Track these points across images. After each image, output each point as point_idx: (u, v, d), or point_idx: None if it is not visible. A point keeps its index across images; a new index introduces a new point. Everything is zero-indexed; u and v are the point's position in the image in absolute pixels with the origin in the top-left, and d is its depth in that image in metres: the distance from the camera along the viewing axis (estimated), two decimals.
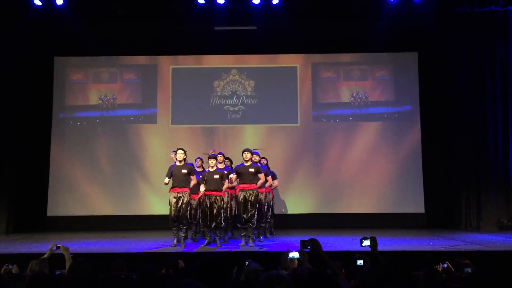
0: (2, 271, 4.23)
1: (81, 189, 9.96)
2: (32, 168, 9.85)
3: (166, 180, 7.03)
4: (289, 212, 9.86)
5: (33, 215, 9.72)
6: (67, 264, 4.37)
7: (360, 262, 3.93)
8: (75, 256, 4.55)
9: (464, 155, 9.15)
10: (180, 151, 7.16)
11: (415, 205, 9.75)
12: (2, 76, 9.17)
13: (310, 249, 2.98)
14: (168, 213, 7.21)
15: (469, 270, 3.41)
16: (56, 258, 4.66)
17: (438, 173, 9.73)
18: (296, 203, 9.92)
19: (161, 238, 7.45)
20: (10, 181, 9.34)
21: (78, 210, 9.85)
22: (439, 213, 9.60)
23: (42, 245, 6.87)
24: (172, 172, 7.07)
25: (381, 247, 6.63)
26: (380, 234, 8.11)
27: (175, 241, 7.05)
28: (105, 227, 9.44)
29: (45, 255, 4.62)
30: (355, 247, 6.63)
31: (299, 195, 9.93)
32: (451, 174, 9.50)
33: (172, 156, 7.34)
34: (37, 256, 4.41)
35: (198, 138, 9.95)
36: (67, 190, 9.94)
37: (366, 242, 3.47)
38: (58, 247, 4.56)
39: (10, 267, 4.35)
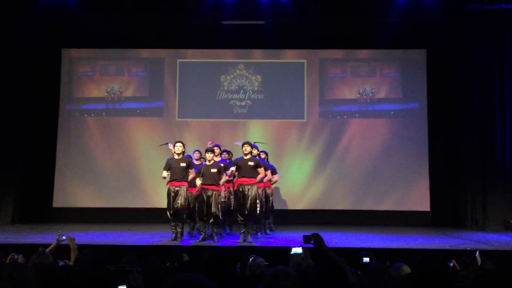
0: (7, 261, 4.25)
1: (86, 181, 10.00)
2: (39, 159, 9.89)
3: (165, 173, 6.90)
4: (292, 208, 9.83)
5: (38, 206, 9.78)
6: (73, 255, 4.40)
7: (366, 259, 3.92)
8: (80, 247, 4.58)
9: (471, 153, 9.10)
10: (178, 144, 7.01)
11: (421, 203, 9.71)
12: (10, 68, 9.20)
13: (313, 243, 2.97)
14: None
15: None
16: (60, 249, 4.68)
17: (444, 171, 9.69)
18: (299, 199, 9.90)
19: (166, 231, 7.43)
20: (16, 172, 9.40)
21: (83, 201, 9.90)
22: (445, 211, 9.56)
23: (48, 236, 6.91)
24: (170, 166, 6.94)
25: (385, 244, 6.67)
26: (385, 231, 8.18)
27: (173, 236, 6.92)
28: (111, 219, 9.47)
29: (53, 245, 4.66)
30: (358, 244, 6.65)
31: (303, 191, 9.92)
32: (458, 172, 9.46)
33: (171, 148, 7.19)
34: (42, 246, 4.43)
35: (204, 133, 9.93)
36: (73, 181, 9.99)
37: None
38: (64, 240, 4.59)
39: (15, 257, 4.37)
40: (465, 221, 9.14)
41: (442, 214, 9.57)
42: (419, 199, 9.74)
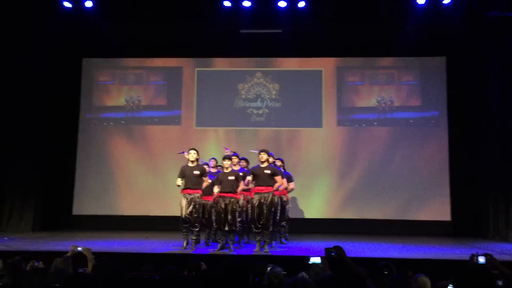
0: (28, 268, 4.29)
1: (106, 189, 10.09)
2: (59, 167, 10.04)
3: (179, 181, 6.79)
4: (310, 216, 9.76)
5: (59, 213, 9.90)
6: (90, 265, 4.41)
7: (386, 270, 3.85)
8: (99, 255, 4.60)
9: (493, 161, 8.93)
10: (192, 151, 6.91)
11: (441, 212, 9.56)
12: (31, 77, 9.38)
13: (335, 255, 2.94)
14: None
15: (500, 283, 3.30)
16: (80, 257, 4.70)
17: (465, 180, 9.52)
18: (318, 207, 9.83)
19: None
20: (37, 180, 9.52)
21: (102, 209, 9.98)
22: (466, 221, 9.38)
23: (67, 243, 6.93)
24: (184, 173, 6.85)
25: (405, 254, 6.57)
26: (405, 241, 8.05)
27: (184, 244, 6.82)
28: (129, 227, 9.56)
29: (67, 255, 4.68)
30: (378, 254, 6.56)
31: (321, 199, 9.85)
32: (479, 181, 9.28)
33: (186, 155, 7.12)
34: (62, 254, 4.46)
35: (222, 141, 9.95)
36: (93, 189, 10.09)
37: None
38: (80, 250, 4.59)
39: (36, 263, 4.41)
40: (487, 231, 8.94)
41: (463, 224, 9.39)
42: (439, 208, 9.57)
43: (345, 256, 2.85)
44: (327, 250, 2.96)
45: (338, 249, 2.81)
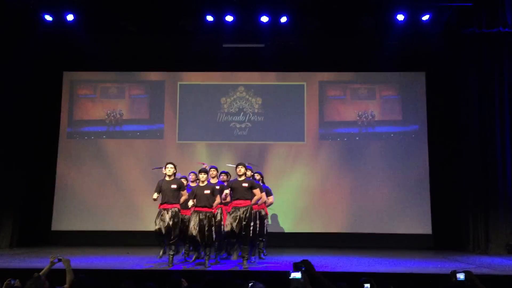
0: (3, 286, 4.19)
1: (86, 204, 9.94)
2: (38, 181, 9.88)
3: (155, 195, 6.71)
4: (290, 230, 9.75)
5: (37, 229, 9.71)
6: (68, 277, 4.33)
7: (367, 286, 3.83)
8: (78, 271, 4.51)
9: (472, 175, 9.04)
10: (169, 166, 6.87)
11: (422, 225, 9.63)
12: (12, 90, 9.25)
13: (304, 270, 2.92)
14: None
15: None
16: (56, 274, 4.61)
17: (445, 194, 9.63)
18: (298, 221, 9.82)
19: (165, 255, 7.33)
20: (16, 195, 9.34)
21: (82, 225, 9.83)
22: (447, 234, 9.47)
23: (46, 260, 6.73)
24: (161, 188, 6.80)
25: (386, 268, 6.58)
26: (386, 255, 8.09)
27: (161, 253, 6.77)
28: (110, 242, 9.41)
29: (46, 268, 4.59)
30: (359, 268, 6.56)
31: (302, 213, 9.84)
32: (459, 194, 9.40)
33: (163, 170, 7.02)
34: (40, 271, 4.36)
35: (204, 155, 9.92)
36: (72, 204, 9.94)
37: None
38: (59, 260, 4.52)
39: (12, 282, 4.30)
40: (468, 244, 9.03)
41: (444, 237, 9.48)
42: (420, 221, 9.65)
43: (314, 270, 2.82)
44: (295, 265, 2.94)
45: (306, 263, 2.79)
